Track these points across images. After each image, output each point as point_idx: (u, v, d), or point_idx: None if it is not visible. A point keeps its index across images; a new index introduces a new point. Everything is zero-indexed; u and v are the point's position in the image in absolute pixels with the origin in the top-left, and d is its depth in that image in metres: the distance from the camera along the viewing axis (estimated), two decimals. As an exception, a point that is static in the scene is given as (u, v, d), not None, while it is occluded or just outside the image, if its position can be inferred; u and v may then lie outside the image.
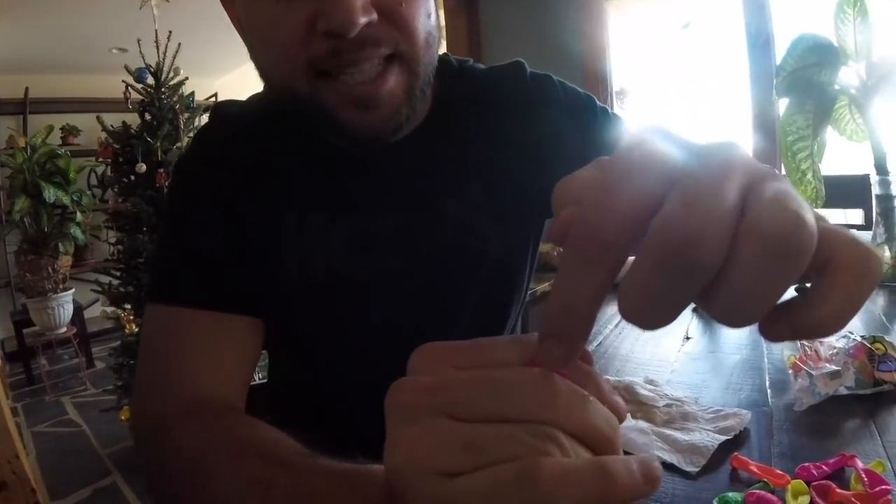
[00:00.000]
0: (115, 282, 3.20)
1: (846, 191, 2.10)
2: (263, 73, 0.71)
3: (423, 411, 0.31)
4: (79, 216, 4.76)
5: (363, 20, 0.60)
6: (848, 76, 1.62)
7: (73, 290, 4.52)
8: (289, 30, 0.62)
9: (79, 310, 4.62)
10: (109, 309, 3.27)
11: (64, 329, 4.42)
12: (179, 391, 0.69)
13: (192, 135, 3.17)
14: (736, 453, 0.69)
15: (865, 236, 1.66)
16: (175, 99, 3.22)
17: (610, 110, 0.91)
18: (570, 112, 0.87)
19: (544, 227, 0.96)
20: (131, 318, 3.06)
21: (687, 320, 1.27)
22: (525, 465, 0.28)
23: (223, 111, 0.84)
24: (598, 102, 0.91)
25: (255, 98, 0.84)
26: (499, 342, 0.33)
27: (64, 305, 4.41)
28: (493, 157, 0.83)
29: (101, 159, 3.52)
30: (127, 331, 3.06)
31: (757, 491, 0.61)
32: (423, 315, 0.84)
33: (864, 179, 2.06)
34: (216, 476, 0.55)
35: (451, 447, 0.29)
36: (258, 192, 0.77)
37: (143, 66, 3.20)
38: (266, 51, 0.68)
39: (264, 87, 0.80)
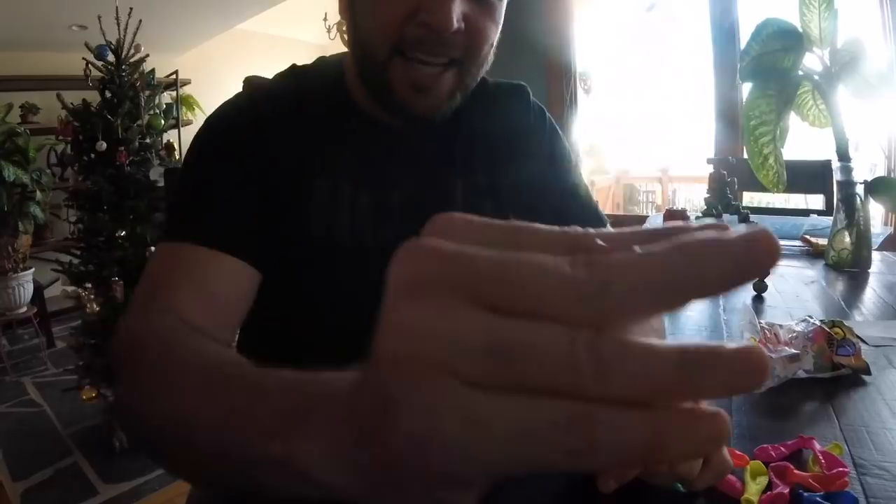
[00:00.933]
0: (76, 261, 3.13)
1: (808, 176, 2.12)
2: (355, 39, 0.80)
3: (439, 286, 0.23)
4: (38, 195, 4.66)
5: (456, 26, 0.71)
6: (812, 62, 1.64)
7: (33, 269, 4.43)
8: (394, 10, 0.73)
9: (39, 289, 4.53)
10: (70, 288, 3.20)
11: (24, 309, 4.31)
12: (163, 310, 0.69)
13: (152, 112, 3.13)
14: (696, 435, 0.69)
15: (826, 222, 1.68)
16: (136, 76, 3.14)
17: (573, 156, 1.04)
18: (553, 142, 1.00)
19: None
20: (91, 297, 3.00)
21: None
22: (580, 411, 0.21)
23: (256, 81, 0.90)
24: (567, 143, 1.03)
25: (283, 77, 0.90)
26: (542, 228, 0.25)
27: (24, 285, 4.31)
28: (492, 157, 0.93)
29: (60, 137, 3.43)
30: (87, 310, 3.00)
31: (716, 472, 0.61)
32: None
33: (826, 165, 2.09)
34: (171, 387, 0.53)
35: (474, 343, 0.22)
36: (294, 156, 0.82)
37: (104, 42, 3.12)
38: (367, 22, 0.77)
39: (293, 67, 0.91)
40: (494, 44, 0.82)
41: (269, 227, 0.80)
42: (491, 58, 0.83)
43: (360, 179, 0.85)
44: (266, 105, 0.84)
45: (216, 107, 0.87)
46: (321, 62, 0.92)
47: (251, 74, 0.92)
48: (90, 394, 2.96)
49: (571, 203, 0.99)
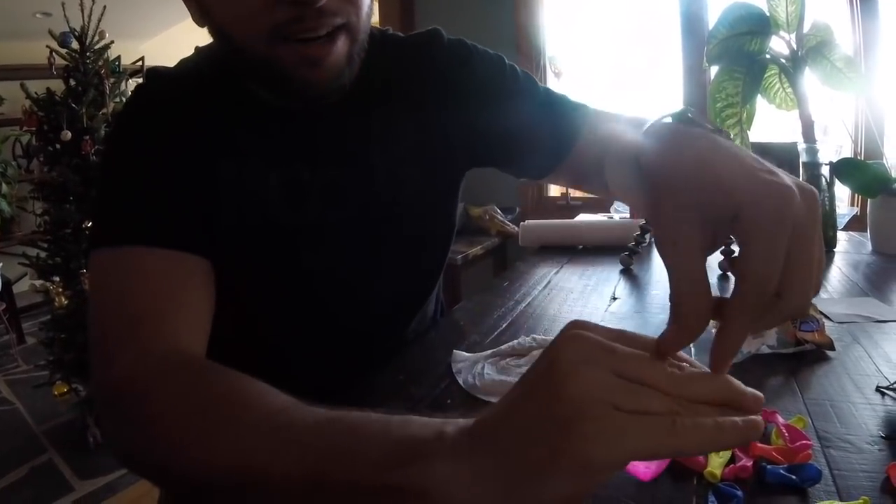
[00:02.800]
0: (43, 254, 3.09)
1: (775, 158, 2.12)
2: (220, 31, 0.74)
3: (597, 361, 0.38)
4: (4, 188, 4.58)
5: None
6: (778, 46, 1.65)
7: (1, 264, 4.35)
8: None
9: (7, 284, 4.45)
10: (38, 282, 3.15)
11: (-7, 305, 4.25)
12: (149, 340, 0.65)
13: (118, 100, 3.08)
14: (660, 409, 0.69)
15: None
16: (100, 63, 3.09)
17: (518, 68, 0.98)
18: (483, 71, 0.95)
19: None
20: (60, 290, 2.95)
21: (614, 281, 1.29)
22: (677, 422, 0.37)
23: (158, 71, 0.86)
24: (506, 61, 0.98)
25: (186, 61, 0.86)
26: (637, 336, 0.43)
27: (-9, 281, 4.25)
28: (417, 116, 0.90)
29: (25, 128, 3.36)
30: (56, 304, 2.96)
31: (679, 446, 0.61)
32: (354, 258, 0.88)
33: (792, 147, 2.10)
34: (219, 433, 0.52)
35: (622, 389, 0.37)
36: (197, 141, 0.78)
37: (68, 29, 3.07)
38: (227, 12, 0.71)
39: (196, 49, 0.87)
40: None
41: (203, 214, 0.76)
42: (374, 6, 0.77)
43: (267, 159, 0.82)
44: (167, 94, 0.81)
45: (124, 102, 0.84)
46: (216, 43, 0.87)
47: (156, 65, 0.88)
48: (62, 389, 2.93)
49: (536, 122, 0.95)
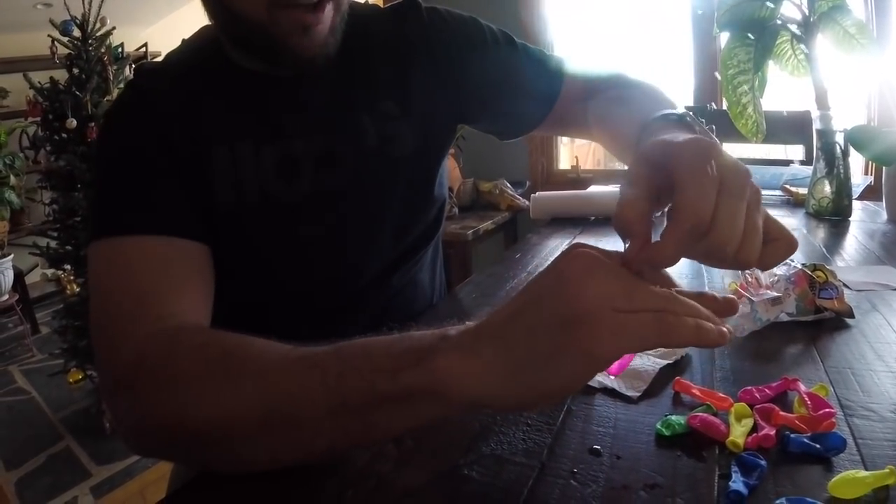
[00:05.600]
0: (53, 243, 3.11)
1: (787, 126, 2.11)
2: (220, 2, 0.77)
3: (600, 269, 0.46)
4: (12, 180, 4.58)
5: None
6: (790, 11, 1.62)
7: (12, 255, 4.36)
8: None
9: (19, 275, 4.47)
10: (49, 271, 3.17)
11: (6, 297, 4.25)
12: (157, 320, 0.65)
13: (121, 87, 3.07)
14: (678, 377, 0.69)
15: (806, 171, 1.68)
16: (103, 50, 3.09)
17: (494, 26, 1.02)
18: (460, 31, 0.99)
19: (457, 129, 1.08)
20: (71, 278, 2.98)
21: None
22: (665, 316, 0.44)
23: (146, 65, 0.90)
24: (481, 21, 1.02)
25: (172, 54, 0.90)
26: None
27: (4, 272, 4.24)
28: (400, 80, 0.94)
29: (30, 118, 3.37)
30: (68, 292, 2.98)
31: (700, 413, 0.60)
32: (351, 222, 0.91)
33: (805, 115, 2.07)
34: (243, 373, 0.55)
35: (622, 292, 0.45)
36: (190, 127, 0.80)
37: (69, 18, 3.07)
38: None
39: (183, 41, 0.91)
40: None
41: (199, 199, 0.79)
42: None
43: (259, 137, 0.84)
44: (156, 87, 0.83)
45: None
46: (201, 30, 0.90)
47: (144, 61, 0.91)
48: (76, 376, 2.97)
49: (517, 78, 1.00)
